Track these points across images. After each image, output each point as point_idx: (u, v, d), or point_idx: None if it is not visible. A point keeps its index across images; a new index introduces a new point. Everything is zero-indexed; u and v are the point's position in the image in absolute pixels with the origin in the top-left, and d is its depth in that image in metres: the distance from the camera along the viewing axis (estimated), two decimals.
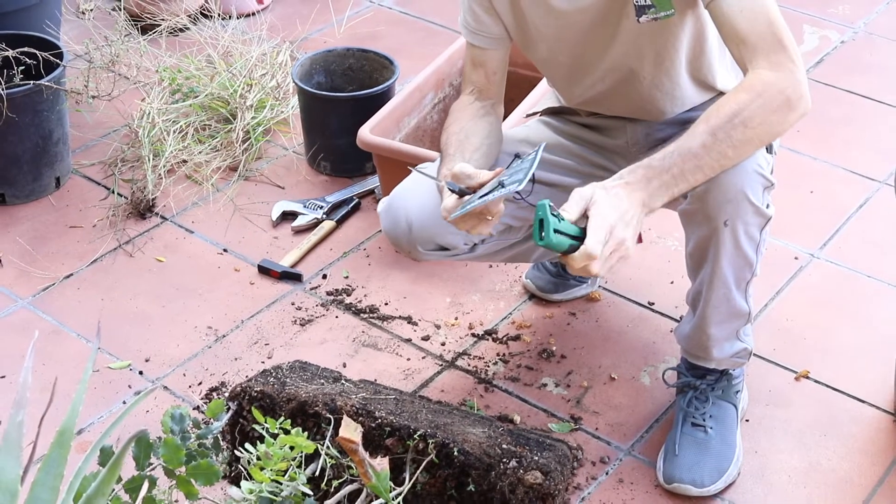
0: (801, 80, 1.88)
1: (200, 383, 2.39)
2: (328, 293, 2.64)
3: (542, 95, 2.42)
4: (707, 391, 2.24)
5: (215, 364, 2.44)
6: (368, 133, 2.70)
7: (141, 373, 2.41)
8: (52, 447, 1.42)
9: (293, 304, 2.61)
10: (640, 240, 2.57)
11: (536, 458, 1.96)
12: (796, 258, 2.78)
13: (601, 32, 2.10)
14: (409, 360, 2.46)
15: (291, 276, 2.67)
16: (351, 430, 1.87)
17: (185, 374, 2.41)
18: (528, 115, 2.44)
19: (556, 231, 1.72)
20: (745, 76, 1.91)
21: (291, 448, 1.83)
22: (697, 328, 2.15)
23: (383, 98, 2.89)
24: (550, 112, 2.38)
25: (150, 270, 2.69)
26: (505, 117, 2.64)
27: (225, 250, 2.77)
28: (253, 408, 1.90)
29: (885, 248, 2.79)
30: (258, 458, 1.81)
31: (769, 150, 2.07)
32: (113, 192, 2.91)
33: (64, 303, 2.59)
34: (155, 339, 2.49)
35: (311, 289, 2.66)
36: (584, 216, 1.76)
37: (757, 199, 1.97)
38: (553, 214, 1.73)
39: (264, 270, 2.69)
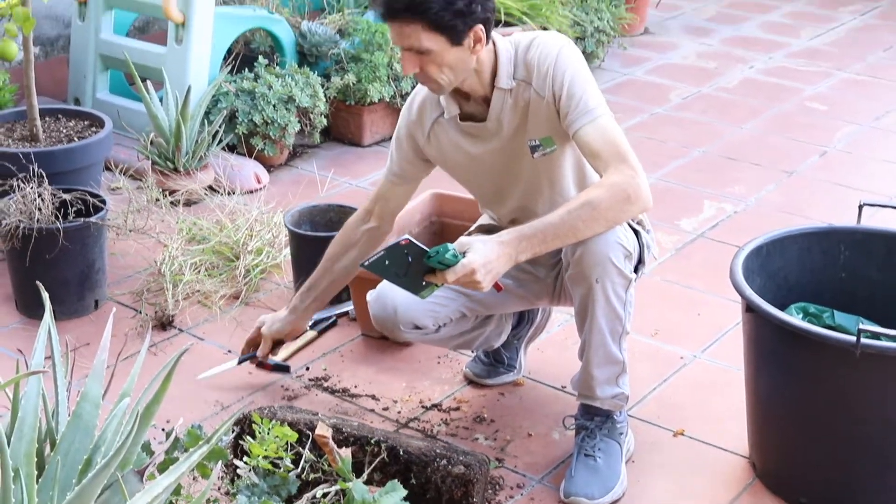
0: (640, 183, 2.63)
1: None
2: (310, 380, 3.35)
3: (477, 221, 3.22)
4: (596, 430, 2.92)
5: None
6: None
7: (163, 429, 3.08)
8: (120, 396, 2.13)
9: (282, 386, 3.31)
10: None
11: (461, 458, 2.64)
12: (682, 357, 3.51)
13: (511, 168, 2.89)
14: (371, 422, 3.15)
15: (281, 369, 3.39)
16: (324, 429, 2.56)
17: None
18: (467, 234, 3.22)
19: (429, 257, 2.52)
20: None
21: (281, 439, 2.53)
22: (584, 371, 2.85)
23: None
24: (483, 229, 3.15)
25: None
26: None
27: (229, 351, 3.49)
28: (254, 415, 2.60)
29: None
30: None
31: (637, 234, 2.82)
32: (140, 312, 3.66)
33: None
34: (173, 409, 3.15)
35: (297, 376, 3.37)
36: (463, 253, 2.54)
37: (620, 263, 2.70)
38: (441, 251, 2.52)
39: (260, 364, 3.40)
